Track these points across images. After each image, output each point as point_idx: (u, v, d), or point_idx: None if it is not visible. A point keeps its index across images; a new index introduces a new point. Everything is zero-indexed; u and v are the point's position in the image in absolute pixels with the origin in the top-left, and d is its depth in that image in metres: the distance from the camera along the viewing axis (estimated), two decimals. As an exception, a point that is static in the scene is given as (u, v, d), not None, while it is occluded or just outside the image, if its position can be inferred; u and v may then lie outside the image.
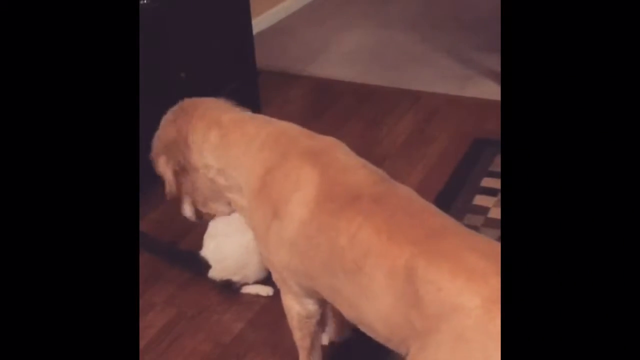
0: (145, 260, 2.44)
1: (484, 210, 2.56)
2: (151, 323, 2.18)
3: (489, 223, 2.48)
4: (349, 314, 1.52)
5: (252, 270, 2.25)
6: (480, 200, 2.61)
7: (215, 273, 2.27)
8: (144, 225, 2.62)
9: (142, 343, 2.11)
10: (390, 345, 1.46)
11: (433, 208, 1.48)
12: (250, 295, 2.27)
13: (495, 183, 2.69)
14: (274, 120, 1.72)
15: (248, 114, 1.73)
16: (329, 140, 1.63)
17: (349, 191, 1.47)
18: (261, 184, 1.58)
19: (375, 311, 1.40)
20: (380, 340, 1.48)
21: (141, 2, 2.58)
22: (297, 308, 1.72)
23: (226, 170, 1.66)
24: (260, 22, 4.29)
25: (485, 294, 1.20)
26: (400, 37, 4.20)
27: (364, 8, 4.68)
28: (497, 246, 1.29)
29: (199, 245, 2.40)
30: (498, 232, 2.39)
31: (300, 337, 1.78)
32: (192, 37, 2.91)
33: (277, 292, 2.25)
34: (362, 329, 1.52)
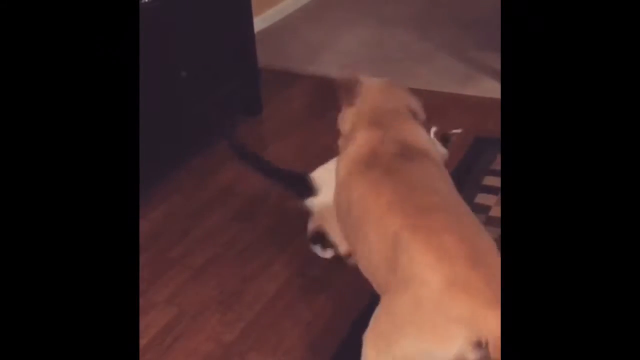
0: (146, 259, 2.44)
1: (485, 208, 2.55)
2: (152, 322, 2.18)
3: (490, 221, 2.47)
4: (354, 254, 1.74)
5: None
6: (481, 198, 2.61)
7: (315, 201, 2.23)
8: (144, 225, 2.63)
9: (143, 342, 2.11)
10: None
11: (439, 185, 1.64)
12: (251, 294, 2.27)
13: (497, 181, 2.69)
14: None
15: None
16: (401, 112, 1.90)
17: (373, 159, 1.69)
18: (348, 130, 1.91)
19: (368, 261, 1.61)
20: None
21: (142, 1, 2.58)
22: None
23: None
24: (261, 21, 4.29)
25: (447, 275, 1.35)
26: (401, 35, 4.19)
27: (365, 7, 4.69)
28: (477, 231, 1.47)
29: (195, 249, 2.48)
30: (499, 231, 2.39)
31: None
32: (193, 36, 2.90)
33: (276, 294, 2.26)
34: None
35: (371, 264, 1.59)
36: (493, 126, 2.98)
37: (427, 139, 1.83)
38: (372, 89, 1.98)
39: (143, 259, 2.44)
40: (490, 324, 1.26)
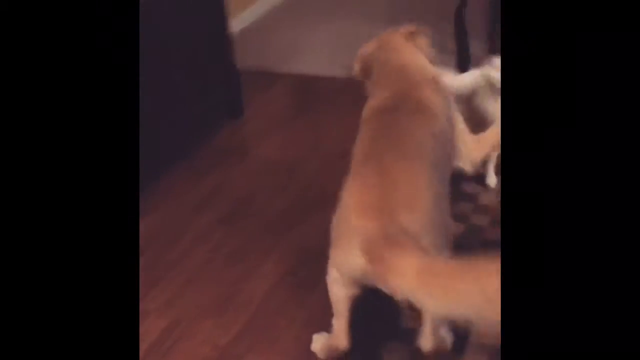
0: (142, 264, 2.43)
1: (473, 197, 2.60)
2: (149, 328, 2.18)
3: (478, 210, 2.50)
4: None
5: None
6: (469, 187, 2.65)
7: None
8: (144, 226, 2.62)
9: (141, 348, 2.10)
10: None
11: (412, 146, 1.87)
12: (244, 296, 2.27)
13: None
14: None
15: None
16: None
17: (373, 117, 2.03)
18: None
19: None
20: None
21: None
22: None
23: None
24: (238, 22, 4.28)
25: (359, 201, 1.72)
26: (381, 30, 4.17)
27: (343, 2, 4.68)
28: (404, 186, 1.73)
29: (187, 254, 2.47)
30: (488, 219, 2.44)
31: None
32: (170, 41, 2.90)
33: (269, 294, 2.27)
34: None
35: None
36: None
37: (429, 93, 2.05)
38: (390, 62, 2.38)
39: (140, 263, 2.43)
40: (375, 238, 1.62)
